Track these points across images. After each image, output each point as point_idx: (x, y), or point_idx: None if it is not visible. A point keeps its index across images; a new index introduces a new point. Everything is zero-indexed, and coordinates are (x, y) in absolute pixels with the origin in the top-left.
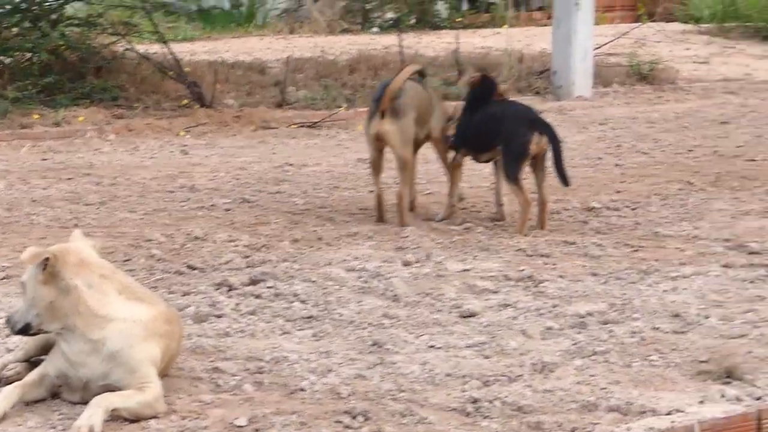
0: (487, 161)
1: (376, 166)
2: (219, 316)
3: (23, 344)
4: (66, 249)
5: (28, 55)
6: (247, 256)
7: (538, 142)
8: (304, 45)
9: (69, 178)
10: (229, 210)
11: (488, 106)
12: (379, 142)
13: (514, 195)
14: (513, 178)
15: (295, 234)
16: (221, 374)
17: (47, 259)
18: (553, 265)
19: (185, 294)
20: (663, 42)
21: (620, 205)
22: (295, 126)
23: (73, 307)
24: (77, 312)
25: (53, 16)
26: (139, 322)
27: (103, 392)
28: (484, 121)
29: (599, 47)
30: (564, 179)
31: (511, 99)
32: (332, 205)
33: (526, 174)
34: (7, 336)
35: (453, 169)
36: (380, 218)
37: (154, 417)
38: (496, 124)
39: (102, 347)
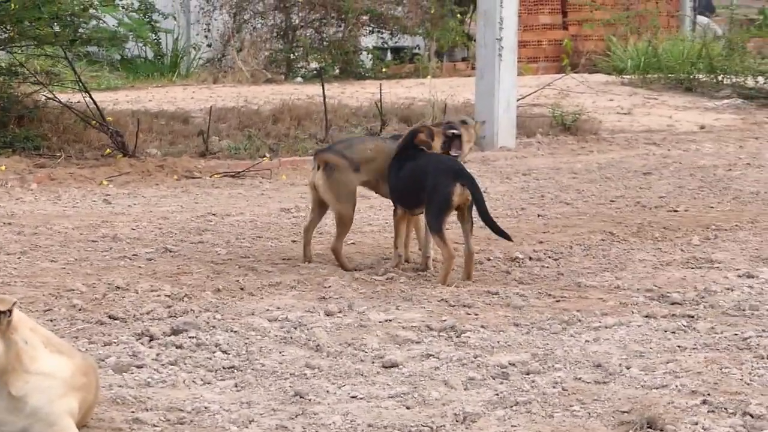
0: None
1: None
2: (140, 367)
3: None
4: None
5: None
6: (169, 306)
7: (461, 194)
8: (228, 94)
9: None
10: (151, 260)
11: (414, 158)
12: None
13: (437, 246)
14: (437, 228)
15: (217, 284)
16: (142, 425)
17: (14, 304)
18: (476, 315)
19: (106, 344)
20: (586, 93)
21: (543, 255)
22: (219, 176)
23: (10, 364)
24: (12, 369)
25: None
26: (59, 378)
27: None
28: (411, 175)
29: (523, 98)
30: (502, 234)
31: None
32: (255, 255)
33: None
34: None
35: (397, 223)
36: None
37: None
38: (422, 178)
39: (24, 405)
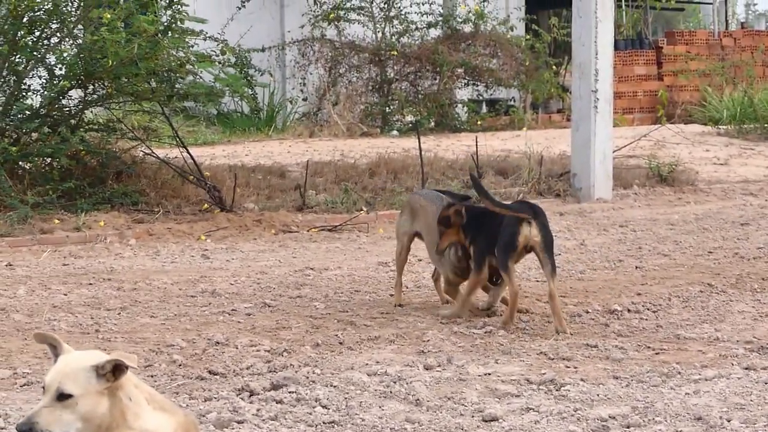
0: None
1: None
2: (240, 422)
3: None
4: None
5: (48, 160)
6: (269, 361)
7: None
8: (324, 148)
9: (90, 284)
10: (250, 314)
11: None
12: None
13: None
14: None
15: (316, 338)
16: None
17: (128, 367)
18: (575, 368)
19: (206, 399)
20: (682, 143)
21: (641, 307)
22: (316, 230)
23: (115, 421)
24: (116, 426)
25: (73, 121)
26: None
27: None
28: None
29: (619, 149)
30: None
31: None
32: (353, 309)
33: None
34: None
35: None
36: None
37: None
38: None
39: None
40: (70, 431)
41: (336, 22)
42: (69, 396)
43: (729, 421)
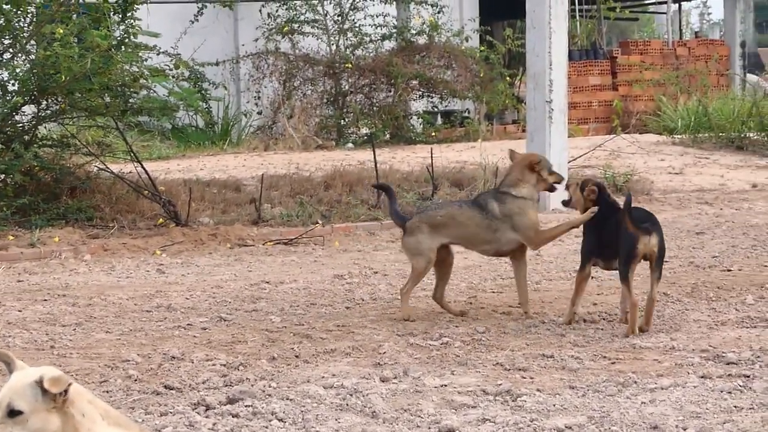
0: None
1: None
2: None
3: None
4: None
5: (2, 176)
6: (225, 375)
7: (646, 244)
8: (279, 161)
9: (44, 300)
10: (205, 329)
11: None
12: None
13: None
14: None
15: (272, 352)
16: None
17: (70, 384)
18: (531, 378)
19: (162, 414)
20: (637, 153)
21: (597, 317)
22: (271, 243)
23: None
24: None
25: (26, 137)
26: None
27: None
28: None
29: (574, 159)
30: None
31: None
32: (309, 322)
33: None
34: None
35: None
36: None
37: None
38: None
39: None
40: None
41: (290, 35)
42: (19, 412)
43: (685, 429)
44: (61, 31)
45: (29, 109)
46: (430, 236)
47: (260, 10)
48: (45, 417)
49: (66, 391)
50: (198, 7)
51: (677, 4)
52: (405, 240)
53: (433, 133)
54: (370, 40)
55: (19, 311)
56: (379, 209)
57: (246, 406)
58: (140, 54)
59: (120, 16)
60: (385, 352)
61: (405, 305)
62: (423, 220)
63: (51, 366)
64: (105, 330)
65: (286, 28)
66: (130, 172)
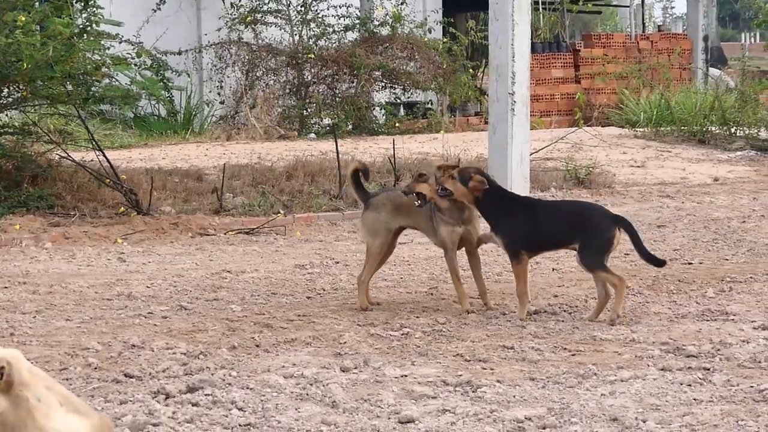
0: None
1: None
2: (156, 425)
3: None
4: (17, 357)
5: None
6: (185, 364)
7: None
8: (241, 151)
9: (4, 287)
10: (166, 317)
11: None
12: None
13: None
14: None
15: (232, 341)
16: None
17: (2, 368)
18: (492, 369)
19: (122, 402)
20: (599, 146)
21: (558, 309)
22: (233, 233)
23: (21, 420)
24: (24, 425)
25: None
26: None
27: None
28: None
29: (536, 152)
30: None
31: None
32: (270, 311)
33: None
34: None
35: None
36: None
37: None
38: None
39: None
40: None
41: (253, 25)
42: None
43: (644, 421)
44: (23, 18)
45: None
46: (391, 216)
47: (223, 0)
48: None
49: (2, 375)
50: None
51: None
52: (364, 216)
53: (396, 125)
54: (333, 31)
55: None
56: (341, 200)
57: (206, 394)
58: (102, 42)
59: (82, 4)
60: (345, 342)
61: (362, 294)
62: (389, 197)
63: (15, 349)
64: (65, 318)
65: (249, 18)
66: (92, 161)
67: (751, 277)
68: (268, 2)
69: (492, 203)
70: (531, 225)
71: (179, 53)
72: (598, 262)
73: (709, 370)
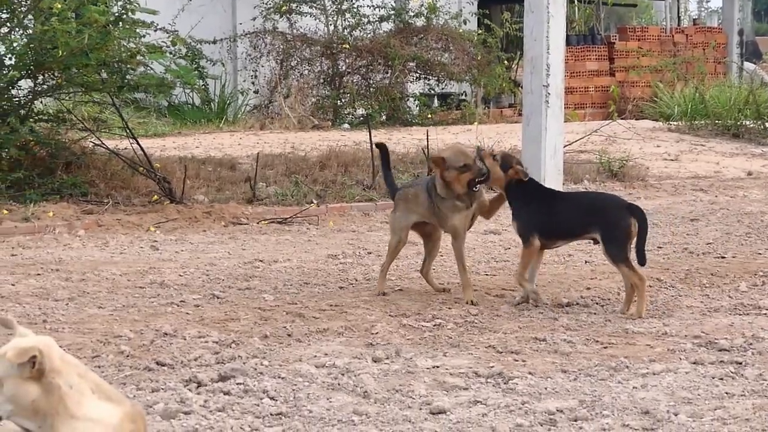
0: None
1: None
2: (188, 413)
3: None
4: (49, 345)
5: None
6: (217, 353)
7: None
8: (275, 141)
9: (38, 274)
10: (198, 306)
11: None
12: None
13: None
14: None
15: (264, 330)
16: None
17: (34, 356)
18: (523, 361)
19: (154, 390)
20: (633, 139)
21: (590, 301)
22: (266, 222)
23: (53, 407)
24: (56, 412)
25: (22, 112)
26: (107, 424)
27: None
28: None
29: (569, 144)
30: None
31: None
32: (302, 301)
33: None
34: None
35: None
36: None
37: None
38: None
39: None
40: (4, 412)
41: (288, 15)
42: None
43: (676, 415)
44: (59, 5)
45: (25, 84)
46: (404, 213)
47: None
48: (19, 384)
49: (34, 363)
50: None
51: None
52: (390, 214)
53: (430, 116)
54: (368, 21)
55: (12, 285)
56: (374, 190)
57: (237, 383)
58: (138, 30)
59: None
60: (377, 333)
61: (380, 280)
62: (401, 196)
63: (48, 336)
64: (98, 305)
65: (284, 8)
66: (126, 149)
67: None
68: None
69: (521, 191)
70: (547, 213)
71: (214, 42)
72: (621, 254)
73: (741, 364)
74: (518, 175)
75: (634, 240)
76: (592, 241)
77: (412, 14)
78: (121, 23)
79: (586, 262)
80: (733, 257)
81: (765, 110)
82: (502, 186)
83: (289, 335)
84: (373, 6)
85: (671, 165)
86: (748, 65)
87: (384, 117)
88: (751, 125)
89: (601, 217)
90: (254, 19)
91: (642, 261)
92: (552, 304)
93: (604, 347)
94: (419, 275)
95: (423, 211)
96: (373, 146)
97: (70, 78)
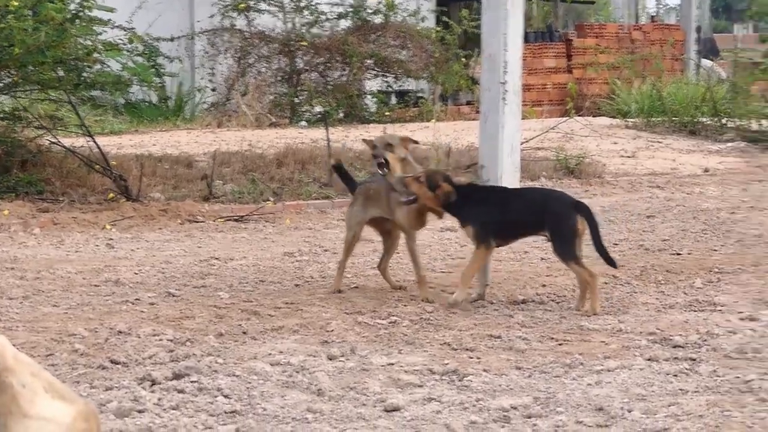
0: None
1: None
2: (141, 411)
3: None
4: (2, 344)
5: None
6: (171, 351)
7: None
8: (232, 138)
9: None
10: (153, 304)
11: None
12: None
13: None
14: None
15: (219, 328)
16: None
17: None
18: (478, 358)
19: (108, 389)
20: (590, 136)
21: (546, 298)
22: (222, 220)
23: (5, 406)
24: (9, 411)
25: None
26: (60, 423)
27: None
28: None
29: (527, 141)
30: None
31: None
32: (258, 299)
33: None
34: None
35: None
36: None
37: None
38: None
39: None
40: None
41: (246, 12)
42: None
43: (630, 411)
44: (16, 3)
45: None
46: (362, 208)
47: None
48: None
49: None
50: None
51: None
52: (347, 208)
53: (387, 113)
54: (326, 19)
55: None
56: (331, 187)
57: (192, 381)
58: (95, 28)
59: None
60: (332, 330)
61: (337, 278)
62: (361, 190)
63: (1, 335)
64: (52, 304)
65: (241, 5)
66: (82, 147)
67: (739, 268)
68: None
69: (466, 198)
70: (500, 213)
71: (171, 40)
72: (570, 252)
73: (695, 360)
74: (446, 192)
75: (584, 238)
76: (545, 238)
77: (370, 11)
78: (78, 21)
79: (542, 259)
80: (689, 254)
81: (722, 107)
82: (439, 204)
83: (244, 333)
84: (331, 3)
85: (628, 162)
86: (705, 62)
87: (341, 114)
88: (708, 122)
89: (548, 215)
90: (212, 16)
91: (610, 262)
92: (507, 301)
93: (559, 344)
94: (375, 273)
95: (381, 206)
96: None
97: (26, 75)
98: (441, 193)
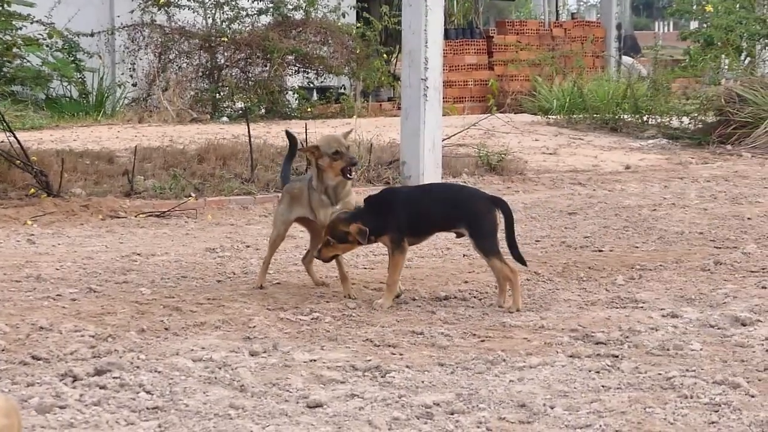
0: None
1: None
2: (63, 407)
3: None
4: None
5: None
6: (93, 347)
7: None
8: (153, 134)
9: None
10: (75, 300)
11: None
12: None
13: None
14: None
15: (141, 324)
16: None
17: None
18: (401, 355)
19: (29, 384)
20: (512, 133)
21: (468, 295)
22: (143, 215)
23: None
24: None
25: None
26: None
27: None
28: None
29: (448, 138)
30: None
31: None
32: (180, 294)
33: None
34: None
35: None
36: None
37: None
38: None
39: None
40: None
41: (166, 8)
42: None
43: (552, 408)
44: None
45: None
46: (287, 208)
47: None
48: None
49: None
50: None
51: None
52: (276, 206)
53: (309, 109)
54: (247, 15)
55: None
56: (253, 183)
57: (113, 377)
58: (14, 23)
59: None
60: (255, 326)
61: (261, 274)
62: (287, 189)
63: None
64: None
65: (162, 1)
66: (2, 142)
67: (660, 265)
68: None
69: (378, 207)
70: (415, 214)
71: (92, 35)
72: (493, 248)
73: (617, 357)
74: (359, 232)
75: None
76: (456, 235)
77: (291, 7)
78: None
79: (464, 255)
80: (611, 251)
81: (643, 104)
82: (366, 242)
83: (166, 329)
84: None
85: (550, 159)
86: (626, 59)
87: (263, 110)
88: (629, 119)
89: (466, 212)
90: (132, 11)
91: (520, 260)
92: (430, 297)
93: (482, 341)
94: (297, 269)
95: (304, 206)
96: (285, 134)
97: None
98: (354, 237)
